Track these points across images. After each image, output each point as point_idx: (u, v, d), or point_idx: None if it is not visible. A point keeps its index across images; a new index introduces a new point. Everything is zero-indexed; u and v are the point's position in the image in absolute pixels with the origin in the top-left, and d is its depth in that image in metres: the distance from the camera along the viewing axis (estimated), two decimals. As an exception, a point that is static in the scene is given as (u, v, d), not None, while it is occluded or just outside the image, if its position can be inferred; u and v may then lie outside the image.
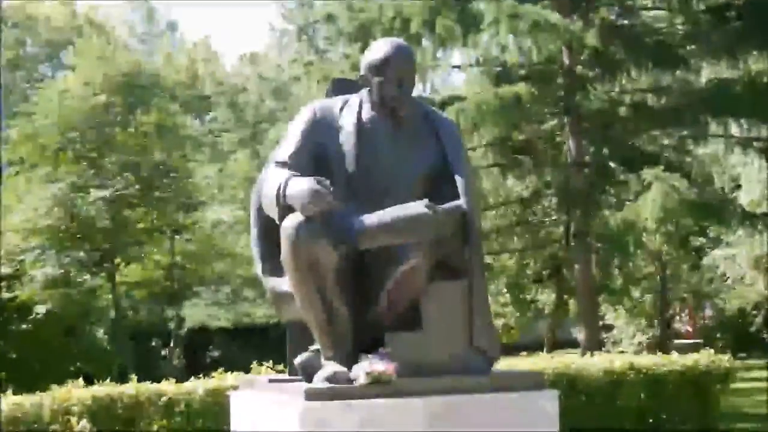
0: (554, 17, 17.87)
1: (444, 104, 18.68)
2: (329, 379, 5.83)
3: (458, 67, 21.30)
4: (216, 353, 37.26)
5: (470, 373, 6.06)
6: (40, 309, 20.65)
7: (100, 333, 25.34)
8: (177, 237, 22.66)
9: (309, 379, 6.01)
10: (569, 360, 12.33)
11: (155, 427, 11.37)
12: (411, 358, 6.01)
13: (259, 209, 6.40)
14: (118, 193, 19.64)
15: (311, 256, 5.86)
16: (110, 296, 22.16)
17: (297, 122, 6.61)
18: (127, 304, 23.24)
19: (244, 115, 34.73)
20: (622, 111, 20.46)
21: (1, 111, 38.74)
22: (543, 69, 20.60)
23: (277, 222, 6.11)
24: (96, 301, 22.29)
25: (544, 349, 25.78)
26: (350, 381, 5.79)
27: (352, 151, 6.35)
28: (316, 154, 6.40)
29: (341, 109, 6.51)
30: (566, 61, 20.29)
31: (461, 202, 6.20)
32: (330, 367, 5.92)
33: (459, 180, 6.28)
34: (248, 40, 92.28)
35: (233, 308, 27.63)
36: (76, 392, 11.54)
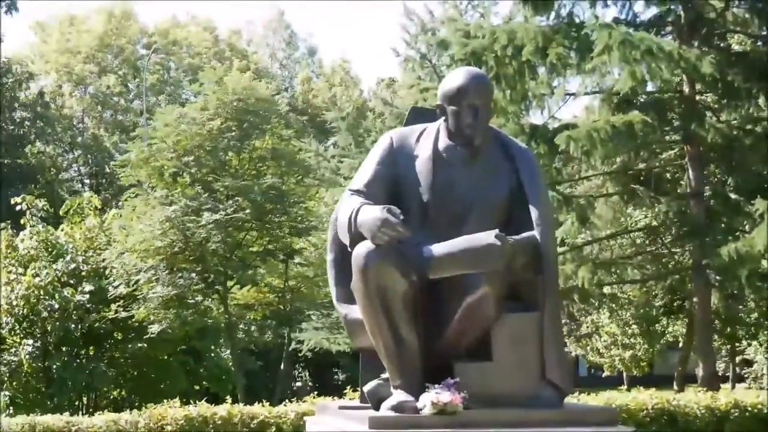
0: (668, 44, 17.53)
1: (557, 132, 18.49)
2: (395, 408, 5.82)
3: (573, 94, 21.01)
4: (342, 375, 37.59)
5: (541, 406, 5.96)
6: (154, 328, 21.13)
7: (226, 353, 25.84)
8: (290, 261, 22.91)
9: (377, 407, 6.01)
10: (670, 396, 11.97)
11: (248, 449, 11.52)
12: (480, 390, 5.95)
13: (335, 236, 6.44)
14: (229, 216, 19.94)
15: (380, 283, 5.87)
16: (223, 318, 22.49)
17: (374, 150, 6.65)
18: (240, 326, 23.59)
19: (363, 141, 34.98)
20: (745, 139, 19.89)
21: None
22: (660, 97, 20.23)
23: (349, 249, 6.14)
24: (209, 322, 22.70)
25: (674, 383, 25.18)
26: (417, 411, 5.76)
27: (428, 179, 6.34)
28: (392, 182, 6.42)
29: (418, 138, 6.52)
30: (686, 89, 19.88)
31: (535, 232, 6.14)
32: (397, 396, 5.91)
33: (534, 210, 6.21)
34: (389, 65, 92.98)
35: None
36: (171, 411, 11.76)
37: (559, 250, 21.30)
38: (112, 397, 23.26)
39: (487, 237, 5.87)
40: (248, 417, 11.53)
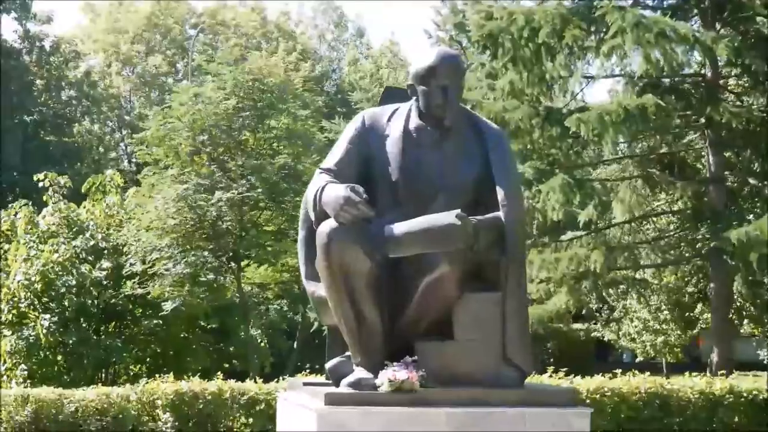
0: (684, 27, 17.38)
1: (571, 114, 18.42)
2: (353, 385, 5.87)
3: (591, 77, 20.88)
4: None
5: (501, 386, 5.99)
6: (168, 306, 21.30)
7: (253, 331, 25.96)
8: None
9: (337, 384, 6.06)
10: (663, 380, 11.91)
11: (237, 425, 11.63)
12: (440, 368, 5.99)
13: (306, 215, 6.47)
14: (241, 195, 20.00)
15: (342, 261, 5.91)
16: (236, 297, 22.61)
17: (347, 130, 6.68)
18: (254, 303, 23.69)
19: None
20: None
21: None
22: (680, 81, 20.08)
23: (314, 228, 6.19)
24: (231, 300, 22.84)
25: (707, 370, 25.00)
26: (375, 388, 5.81)
27: (397, 159, 6.37)
28: (363, 161, 6.45)
29: (390, 118, 6.54)
30: (708, 73, 19.71)
31: (500, 213, 6.14)
32: (356, 373, 5.96)
33: (500, 190, 6.21)
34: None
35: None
36: (162, 386, 11.89)
37: (577, 234, 21.27)
38: (132, 373, 23.46)
39: (448, 217, 5.88)
40: (239, 393, 11.64)
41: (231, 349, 25.09)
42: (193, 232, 20.76)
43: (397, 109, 6.57)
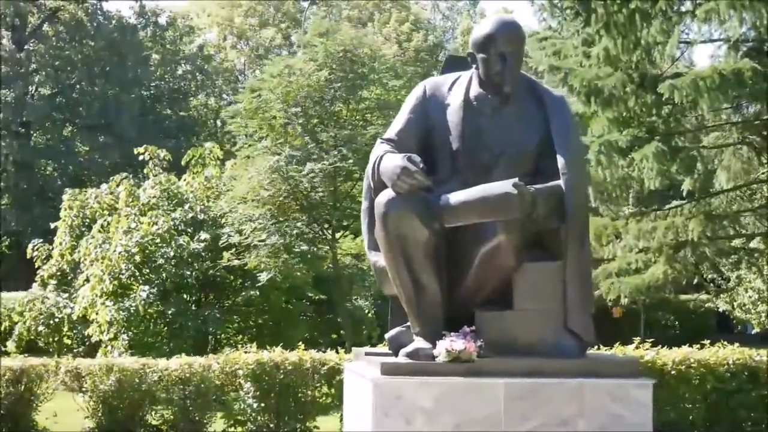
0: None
1: (664, 80, 18.03)
2: (410, 355, 5.87)
3: (688, 43, 20.39)
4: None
5: (561, 356, 5.92)
6: (263, 276, 21.51)
7: (361, 302, 26.03)
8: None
9: (396, 353, 6.07)
10: (751, 351, 11.57)
11: (318, 394, 11.72)
12: (499, 338, 5.96)
13: (369, 185, 6.47)
14: (332, 166, 20.07)
15: (400, 231, 5.91)
16: (331, 266, 22.71)
17: (408, 99, 6.68)
18: (349, 274, 23.74)
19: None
20: None
21: None
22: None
23: (373, 197, 6.20)
24: (320, 271, 22.94)
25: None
26: (432, 358, 5.80)
27: (458, 127, 6.33)
28: (424, 131, 6.43)
29: (451, 87, 6.50)
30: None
31: (560, 181, 6.06)
32: (415, 343, 5.96)
33: (561, 158, 6.12)
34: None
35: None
36: (244, 356, 12.04)
37: (676, 203, 20.86)
38: (233, 342, 23.78)
39: (504, 186, 5.82)
40: (319, 363, 11.71)
41: (339, 320, 25.27)
42: (287, 203, 20.90)
43: (458, 78, 6.53)
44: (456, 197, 5.91)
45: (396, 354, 6.06)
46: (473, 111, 6.33)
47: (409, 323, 6.16)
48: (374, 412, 5.60)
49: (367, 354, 6.44)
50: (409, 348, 5.91)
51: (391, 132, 6.53)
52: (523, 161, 6.25)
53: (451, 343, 5.75)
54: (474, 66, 6.38)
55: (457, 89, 6.45)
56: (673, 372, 10.98)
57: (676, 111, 19.55)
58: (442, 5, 65.38)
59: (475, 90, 6.38)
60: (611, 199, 20.44)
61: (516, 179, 5.85)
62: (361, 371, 6.15)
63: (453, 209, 5.89)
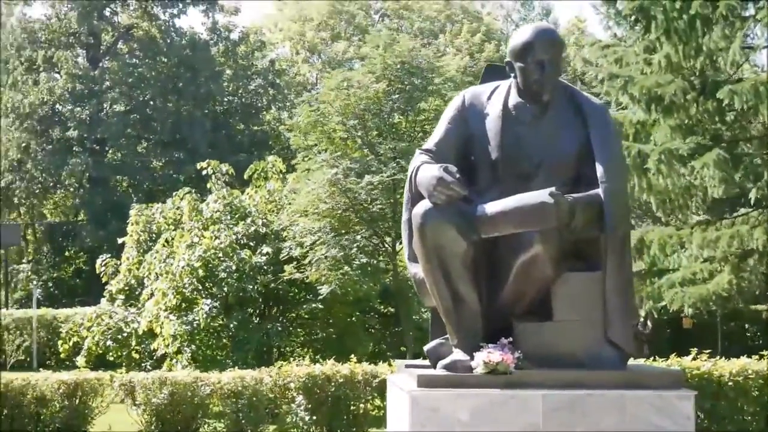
0: None
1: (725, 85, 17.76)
2: (448, 367, 5.84)
3: (750, 48, 20.07)
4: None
5: (601, 367, 5.84)
6: (324, 289, 21.52)
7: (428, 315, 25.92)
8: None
9: (435, 365, 6.03)
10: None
11: (370, 407, 11.68)
12: (538, 350, 5.89)
13: (410, 196, 6.46)
14: (391, 178, 20.06)
15: (437, 242, 5.88)
16: (390, 279, 22.66)
17: (447, 110, 6.66)
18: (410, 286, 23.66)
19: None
20: None
21: None
22: None
23: (410, 207, 6.19)
24: (381, 283, 22.91)
25: None
26: (470, 370, 5.76)
27: (497, 137, 6.28)
28: (463, 140, 6.40)
29: (490, 96, 6.46)
30: None
31: (599, 190, 5.98)
32: (453, 355, 5.92)
33: (600, 167, 6.04)
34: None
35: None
36: (295, 369, 12.05)
37: (743, 211, 20.51)
38: (297, 355, 23.82)
39: (541, 195, 5.76)
40: (371, 376, 11.70)
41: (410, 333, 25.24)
42: (346, 215, 20.94)
43: (497, 87, 6.48)
44: (493, 207, 5.87)
45: (435, 366, 6.02)
46: (512, 120, 6.29)
47: (447, 335, 6.12)
48: (411, 425, 5.57)
49: (407, 366, 6.41)
50: (447, 360, 5.88)
51: (430, 142, 6.51)
52: (562, 170, 6.18)
53: (489, 355, 5.70)
54: (512, 75, 6.34)
55: (496, 98, 6.40)
56: (730, 383, 10.78)
57: (741, 117, 19.27)
58: (515, 16, 65.23)
59: (514, 99, 6.34)
60: (675, 208, 20.15)
61: (553, 188, 5.79)
62: (400, 383, 6.12)
63: (490, 219, 5.84)
